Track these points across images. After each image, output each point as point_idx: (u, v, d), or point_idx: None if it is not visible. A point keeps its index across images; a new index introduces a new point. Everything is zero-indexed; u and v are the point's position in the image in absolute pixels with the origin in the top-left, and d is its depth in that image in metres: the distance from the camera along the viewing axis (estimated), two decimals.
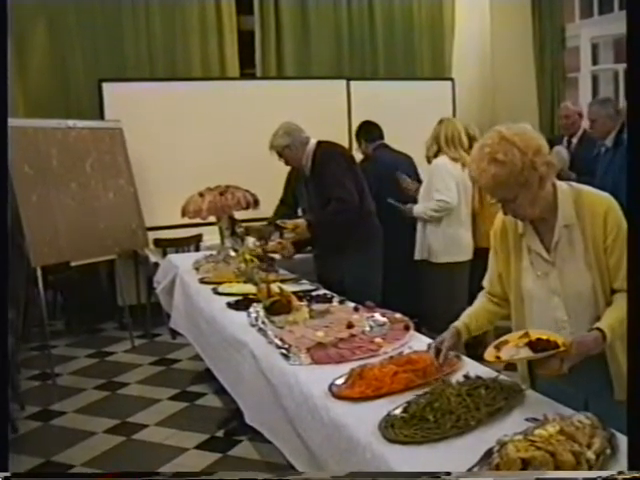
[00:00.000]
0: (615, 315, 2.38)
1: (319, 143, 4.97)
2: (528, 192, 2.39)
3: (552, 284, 2.53)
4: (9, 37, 6.57)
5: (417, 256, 5.64)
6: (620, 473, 1.84)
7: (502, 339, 2.50)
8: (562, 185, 2.52)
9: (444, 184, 5.37)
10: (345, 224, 4.81)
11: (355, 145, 6.67)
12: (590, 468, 1.89)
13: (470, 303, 2.92)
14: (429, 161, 5.58)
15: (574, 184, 2.56)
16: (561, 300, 2.52)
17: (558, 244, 2.51)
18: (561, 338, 2.34)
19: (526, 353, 2.36)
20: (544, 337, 2.36)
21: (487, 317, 2.83)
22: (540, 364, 2.39)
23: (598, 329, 2.35)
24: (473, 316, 2.81)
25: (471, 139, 5.49)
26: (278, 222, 5.08)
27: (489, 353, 2.46)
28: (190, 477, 3.54)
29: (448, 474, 1.89)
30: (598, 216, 2.43)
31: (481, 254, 5.39)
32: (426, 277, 5.65)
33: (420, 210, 5.47)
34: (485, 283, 2.87)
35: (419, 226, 5.58)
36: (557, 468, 1.85)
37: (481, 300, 2.87)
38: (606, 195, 2.50)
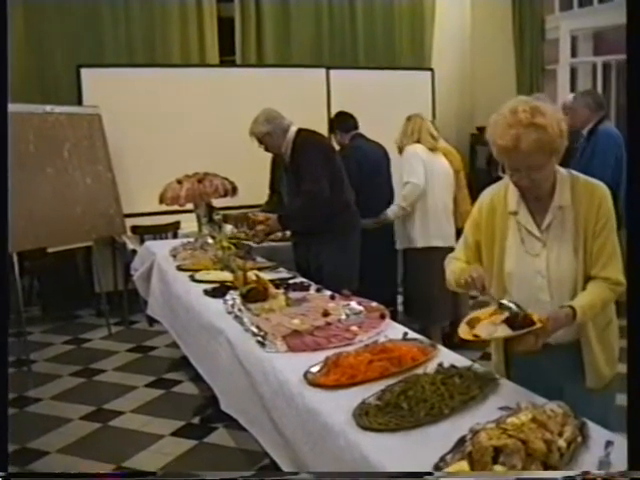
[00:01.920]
0: (588, 299, 2.44)
1: (299, 131, 4.95)
2: (552, 163, 2.44)
3: (538, 265, 2.55)
4: None
5: (398, 246, 5.87)
6: (585, 473, 1.86)
7: (473, 316, 2.50)
8: (560, 169, 2.55)
9: (411, 167, 5.51)
10: (314, 217, 4.82)
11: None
12: (561, 456, 1.92)
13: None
14: (400, 152, 5.72)
15: (573, 171, 2.59)
16: (545, 281, 2.54)
17: (551, 225, 2.54)
18: (536, 314, 2.36)
19: (504, 331, 2.37)
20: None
21: None
22: (516, 341, 2.41)
23: (570, 307, 2.40)
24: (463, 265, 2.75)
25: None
26: (249, 214, 5.08)
27: (463, 330, 2.46)
28: (187, 477, 3.56)
29: (430, 474, 1.90)
30: (593, 201, 2.48)
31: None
32: (407, 263, 5.88)
33: (394, 208, 5.57)
34: (457, 253, 2.83)
35: (397, 220, 5.70)
36: (529, 456, 1.87)
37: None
38: (602, 184, 2.55)
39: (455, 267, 2.75)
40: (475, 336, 2.41)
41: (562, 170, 2.56)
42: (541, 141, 2.35)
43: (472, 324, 2.46)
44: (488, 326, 2.42)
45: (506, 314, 2.39)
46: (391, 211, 5.63)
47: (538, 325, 2.33)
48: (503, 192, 2.65)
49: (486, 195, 2.73)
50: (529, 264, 2.56)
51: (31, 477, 3.68)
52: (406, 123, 5.72)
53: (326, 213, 4.79)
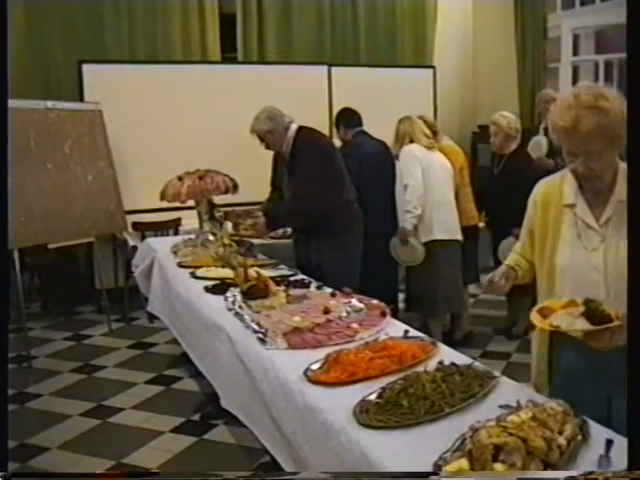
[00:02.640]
0: None
1: (300, 129, 4.94)
2: (613, 150, 2.36)
3: (594, 260, 2.43)
4: None
5: None
6: (591, 473, 1.86)
7: (544, 305, 2.40)
8: (622, 163, 2.46)
9: (407, 169, 5.49)
10: (308, 216, 4.82)
11: (334, 131, 6.66)
12: (561, 454, 1.91)
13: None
14: (397, 157, 5.72)
15: None
16: (601, 277, 2.42)
17: (610, 219, 2.44)
18: (613, 310, 2.24)
19: (584, 324, 2.25)
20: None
21: (527, 266, 2.74)
22: (592, 336, 2.28)
23: None
24: (517, 260, 2.74)
25: (433, 130, 5.80)
26: (238, 221, 5.09)
27: (537, 319, 2.35)
28: (189, 477, 3.56)
29: (435, 474, 1.89)
30: None
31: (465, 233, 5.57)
32: None
33: (405, 217, 5.50)
34: (516, 246, 2.82)
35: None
36: (529, 454, 1.87)
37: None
38: None
39: (510, 259, 2.75)
40: (553, 326, 2.31)
41: (624, 163, 2.44)
42: (601, 125, 2.29)
43: (544, 313, 2.36)
44: (565, 317, 2.31)
45: (582, 308, 2.28)
46: (407, 222, 5.49)
47: (617, 322, 2.21)
48: (558, 185, 2.58)
49: (540, 187, 2.66)
50: (585, 259, 2.45)
51: (32, 477, 3.68)
52: (397, 126, 5.72)
53: (324, 212, 4.78)
